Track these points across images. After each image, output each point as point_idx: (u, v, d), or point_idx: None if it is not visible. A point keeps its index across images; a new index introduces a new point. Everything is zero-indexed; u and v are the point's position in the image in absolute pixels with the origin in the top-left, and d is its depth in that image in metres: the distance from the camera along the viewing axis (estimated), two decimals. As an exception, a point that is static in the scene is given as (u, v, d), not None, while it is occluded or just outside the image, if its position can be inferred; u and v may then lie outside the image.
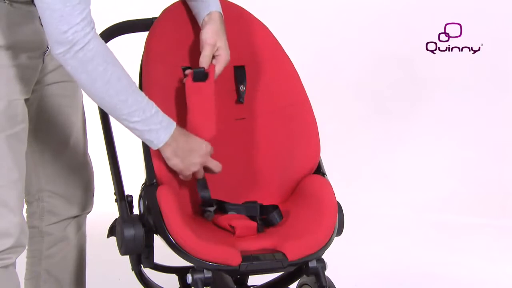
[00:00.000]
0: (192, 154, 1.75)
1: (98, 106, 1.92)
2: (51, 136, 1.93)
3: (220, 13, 1.88)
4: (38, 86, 1.86)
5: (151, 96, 1.81)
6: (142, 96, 1.67)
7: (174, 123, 1.73)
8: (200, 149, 1.76)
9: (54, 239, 1.98)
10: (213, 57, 1.86)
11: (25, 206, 1.93)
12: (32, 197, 1.96)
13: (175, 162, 1.74)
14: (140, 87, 1.87)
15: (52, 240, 1.98)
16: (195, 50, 1.99)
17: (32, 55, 1.77)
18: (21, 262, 1.90)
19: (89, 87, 1.60)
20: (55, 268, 1.99)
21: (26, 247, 1.86)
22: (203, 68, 1.85)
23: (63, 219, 1.98)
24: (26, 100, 1.78)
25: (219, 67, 1.86)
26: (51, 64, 1.87)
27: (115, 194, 1.85)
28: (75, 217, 2.00)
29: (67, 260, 2.01)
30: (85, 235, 2.07)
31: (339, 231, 1.84)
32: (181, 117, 1.93)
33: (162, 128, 1.69)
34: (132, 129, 1.68)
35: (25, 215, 1.96)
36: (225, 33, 1.87)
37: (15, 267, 1.80)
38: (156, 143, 1.70)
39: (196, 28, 1.99)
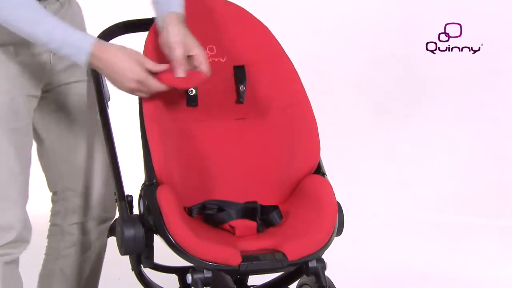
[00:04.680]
0: (118, 80, 1.72)
1: (98, 106, 1.93)
2: (71, 135, 1.94)
3: (178, 13, 1.83)
4: (51, 87, 1.88)
5: (150, 96, 1.82)
6: (45, 33, 1.65)
7: (88, 45, 1.68)
8: (124, 77, 1.72)
9: (74, 240, 1.99)
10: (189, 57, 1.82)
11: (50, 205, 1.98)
12: (58, 196, 1.98)
13: (107, 76, 1.75)
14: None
15: (71, 240, 1.99)
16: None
17: (36, 52, 1.78)
18: (27, 260, 1.89)
19: None
20: (69, 268, 1.99)
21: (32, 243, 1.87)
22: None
23: (84, 220, 1.98)
24: (35, 97, 1.80)
25: (204, 67, 1.82)
26: (60, 65, 1.88)
27: (115, 194, 1.85)
28: (97, 220, 2.00)
29: (82, 263, 2.00)
30: (105, 245, 2.06)
31: (339, 231, 1.84)
32: (181, 116, 1.94)
33: (77, 54, 1.68)
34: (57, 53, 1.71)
35: (49, 213, 1.99)
36: (188, 30, 1.83)
37: (17, 266, 1.80)
38: (80, 63, 1.71)
39: (195, 28, 1.99)
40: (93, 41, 1.69)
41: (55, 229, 2.00)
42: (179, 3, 1.84)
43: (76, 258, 2.00)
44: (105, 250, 2.08)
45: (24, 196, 1.79)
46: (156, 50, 1.92)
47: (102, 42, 1.72)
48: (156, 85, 1.76)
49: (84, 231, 2.00)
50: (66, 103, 1.93)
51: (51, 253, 2.01)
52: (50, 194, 2.02)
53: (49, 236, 2.02)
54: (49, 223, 2.03)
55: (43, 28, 1.64)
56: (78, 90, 1.95)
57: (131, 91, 1.75)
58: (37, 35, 1.65)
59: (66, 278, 1.99)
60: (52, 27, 1.65)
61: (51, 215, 2.01)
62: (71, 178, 1.96)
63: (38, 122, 1.93)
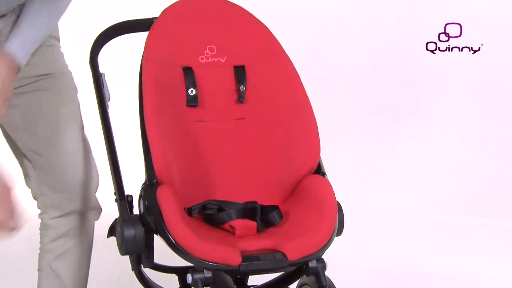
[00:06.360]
0: None
1: (98, 106, 1.93)
2: (39, 131, 1.92)
3: (10, 59, 1.70)
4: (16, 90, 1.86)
5: (150, 95, 1.82)
6: None
7: None
8: None
9: (57, 233, 1.98)
10: None
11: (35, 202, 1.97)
12: (35, 192, 1.97)
13: None
14: (140, 86, 1.87)
15: (54, 234, 1.99)
16: (195, 50, 2.00)
17: None
18: (24, 258, 1.89)
19: None
20: (55, 263, 1.99)
21: None
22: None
23: (66, 212, 1.97)
24: None
25: None
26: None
27: (115, 194, 1.85)
28: (79, 213, 2.00)
29: (68, 256, 2.01)
30: (91, 235, 2.05)
31: (339, 231, 1.84)
32: (181, 116, 1.94)
33: None
34: None
35: (38, 210, 1.99)
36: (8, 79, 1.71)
37: None
38: None
39: (195, 28, 2.00)
40: None
41: (41, 224, 2.00)
42: (20, 43, 1.73)
43: (62, 252, 1.99)
44: (91, 242, 2.06)
45: None
46: (157, 51, 1.93)
47: None
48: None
49: (66, 224, 1.99)
50: (32, 100, 1.91)
51: (40, 248, 2.02)
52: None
53: (39, 232, 2.03)
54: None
55: None
56: (42, 85, 1.91)
57: None
58: None
59: (55, 273, 2.00)
60: None
61: (39, 210, 2.01)
62: (45, 173, 1.95)
63: (4, 122, 1.94)
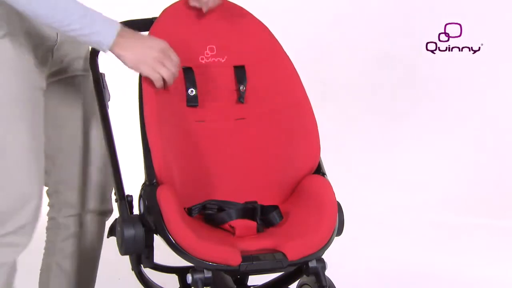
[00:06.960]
0: (146, 49, 1.77)
1: (98, 106, 1.93)
2: (66, 128, 1.95)
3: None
4: (51, 79, 1.89)
5: (150, 95, 1.82)
6: (77, 7, 1.67)
7: (118, 23, 1.74)
8: (154, 44, 1.78)
9: (69, 233, 1.99)
10: None
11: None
12: (51, 189, 1.98)
13: (129, 57, 1.75)
14: (140, 86, 1.87)
15: (67, 233, 1.99)
16: (195, 50, 1.99)
17: (41, 42, 1.80)
18: (25, 258, 1.89)
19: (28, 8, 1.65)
20: (65, 262, 2.00)
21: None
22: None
23: (79, 212, 1.98)
24: (42, 90, 1.82)
25: None
26: (60, 59, 1.89)
27: (115, 194, 1.85)
28: (92, 213, 2.00)
29: (78, 256, 2.01)
30: (101, 236, 2.06)
31: (339, 231, 1.84)
32: (181, 117, 1.94)
33: (106, 30, 1.71)
34: (78, 36, 1.70)
35: (47, 208, 2.00)
36: None
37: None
38: (105, 43, 1.72)
39: (195, 27, 2.00)
40: (119, 24, 1.75)
41: (51, 222, 2.00)
42: None
43: (72, 251, 2.00)
44: (101, 244, 2.07)
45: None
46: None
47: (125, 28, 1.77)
48: (176, 57, 1.81)
49: (80, 223, 2.00)
50: (63, 96, 1.94)
51: (48, 247, 2.02)
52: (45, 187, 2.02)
53: (47, 230, 2.03)
54: (47, 217, 2.04)
55: (75, 7, 1.66)
56: (74, 83, 1.95)
57: (154, 63, 1.77)
58: (56, 15, 1.64)
59: (63, 272, 2.00)
60: (82, 7, 1.68)
61: (48, 208, 2.02)
62: (64, 171, 1.96)
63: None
